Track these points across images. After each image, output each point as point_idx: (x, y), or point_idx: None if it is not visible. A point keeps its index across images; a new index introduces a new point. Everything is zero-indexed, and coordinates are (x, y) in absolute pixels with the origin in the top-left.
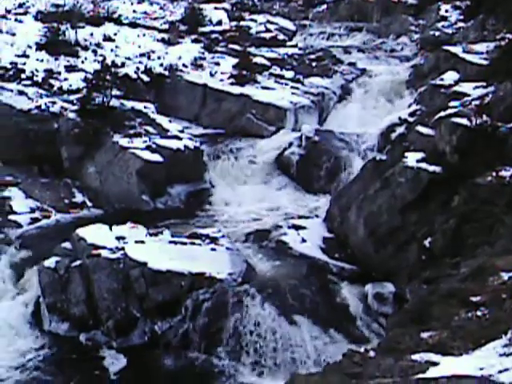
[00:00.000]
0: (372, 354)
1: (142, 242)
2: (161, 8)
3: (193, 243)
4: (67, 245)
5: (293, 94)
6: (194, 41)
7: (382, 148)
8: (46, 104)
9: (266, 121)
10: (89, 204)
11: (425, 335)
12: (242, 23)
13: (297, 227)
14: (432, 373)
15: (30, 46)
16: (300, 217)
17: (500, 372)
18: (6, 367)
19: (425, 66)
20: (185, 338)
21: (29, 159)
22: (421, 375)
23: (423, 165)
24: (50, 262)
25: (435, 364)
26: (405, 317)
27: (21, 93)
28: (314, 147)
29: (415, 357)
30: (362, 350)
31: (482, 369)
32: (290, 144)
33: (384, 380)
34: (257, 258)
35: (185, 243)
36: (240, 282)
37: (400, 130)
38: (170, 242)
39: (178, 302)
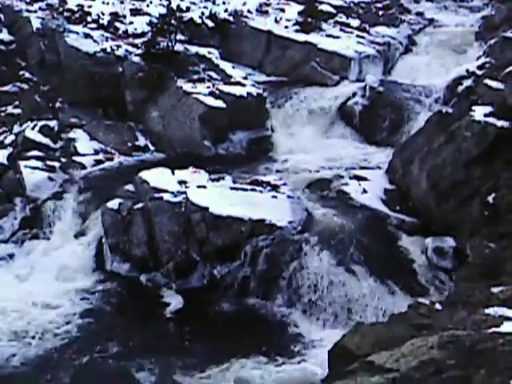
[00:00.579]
0: (439, 306)
1: (204, 186)
2: None
3: (254, 190)
4: (130, 187)
5: (358, 43)
6: None
7: (448, 101)
8: (111, 47)
9: (330, 69)
10: (151, 148)
11: (496, 290)
12: None
13: (358, 178)
14: (506, 327)
15: None
16: (361, 167)
17: None
18: (69, 305)
19: (496, 18)
20: (243, 284)
21: (94, 102)
22: (495, 329)
23: (491, 119)
24: (113, 204)
25: (509, 319)
26: (474, 271)
27: (87, 36)
28: (378, 98)
29: (488, 311)
30: (427, 302)
31: None
32: (354, 94)
33: (457, 332)
34: (317, 206)
35: (246, 189)
36: (300, 230)
37: (467, 82)
38: (231, 187)
39: (237, 247)
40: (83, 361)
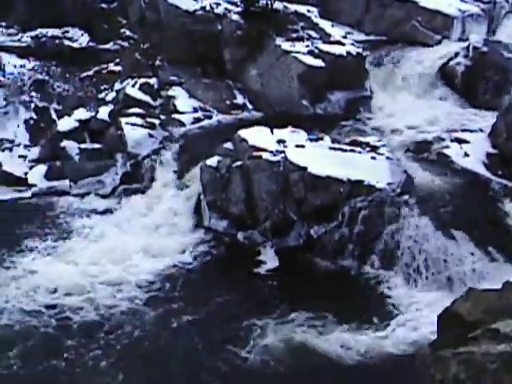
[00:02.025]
0: None
1: (303, 146)
2: None
3: (353, 151)
4: (229, 145)
5: (461, 1)
6: None
7: None
8: (210, 5)
9: (432, 29)
10: (249, 106)
11: None
12: None
13: (459, 141)
14: None
15: None
16: (463, 130)
17: None
18: (167, 259)
19: None
20: (339, 244)
21: (193, 60)
22: None
23: None
24: (212, 161)
25: None
26: None
27: None
28: (482, 58)
29: None
30: None
31: None
32: (456, 54)
33: None
34: (417, 169)
35: (345, 150)
36: (399, 192)
37: None
38: (330, 148)
39: (335, 208)
40: (178, 313)
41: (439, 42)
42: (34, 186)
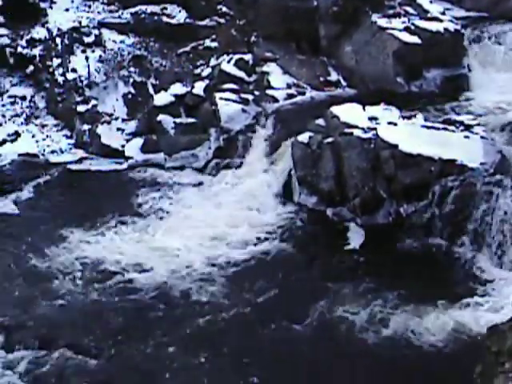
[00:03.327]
0: None
1: (395, 124)
2: None
3: (446, 129)
4: (320, 121)
5: None
6: None
7: None
8: None
9: None
10: (343, 83)
11: None
12: None
13: None
14: None
15: None
16: None
17: None
18: (257, 234)
19: None
20: (429, 224)
21: (287, 36)
22: None
23: None
24: (304, 137)
25: None
26: None
27: None
28: None
29: None
30: None
31: None
32: None
33: None
34: None
35: (438, 128)
36: (492, 172)
37: None
38: (423, 126)
39: (425, 186)
40: (262, 287)
41: None
42: (131, 158)
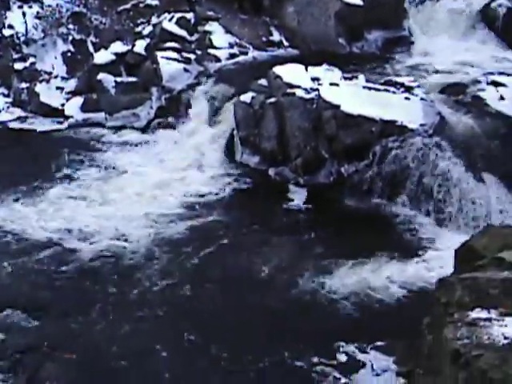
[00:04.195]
0: None
1: (337, 84)
2: None
3: (387, 90)
4: (263, 82)
5: None
6: None
7: None
8: None
9: None
10: (285, 43)
11: None
12: None
13: (496, 84)
14: None
15: None
16: (500, 73)
17: None
18: (199, 191)
19: None
20: (369, 183)
21: None
22: None
23: None
24: (246, 97)
25: None
26: None
27: None
28: None
29: None
30: None
31: None
32: None
33: None
34: (451, 111)
35: (379, 90)
36: (431, 133)
37: None
38: (364, 87)
39: (366, 147)
40: (210, 242)
41: None
42: (71, 117)
